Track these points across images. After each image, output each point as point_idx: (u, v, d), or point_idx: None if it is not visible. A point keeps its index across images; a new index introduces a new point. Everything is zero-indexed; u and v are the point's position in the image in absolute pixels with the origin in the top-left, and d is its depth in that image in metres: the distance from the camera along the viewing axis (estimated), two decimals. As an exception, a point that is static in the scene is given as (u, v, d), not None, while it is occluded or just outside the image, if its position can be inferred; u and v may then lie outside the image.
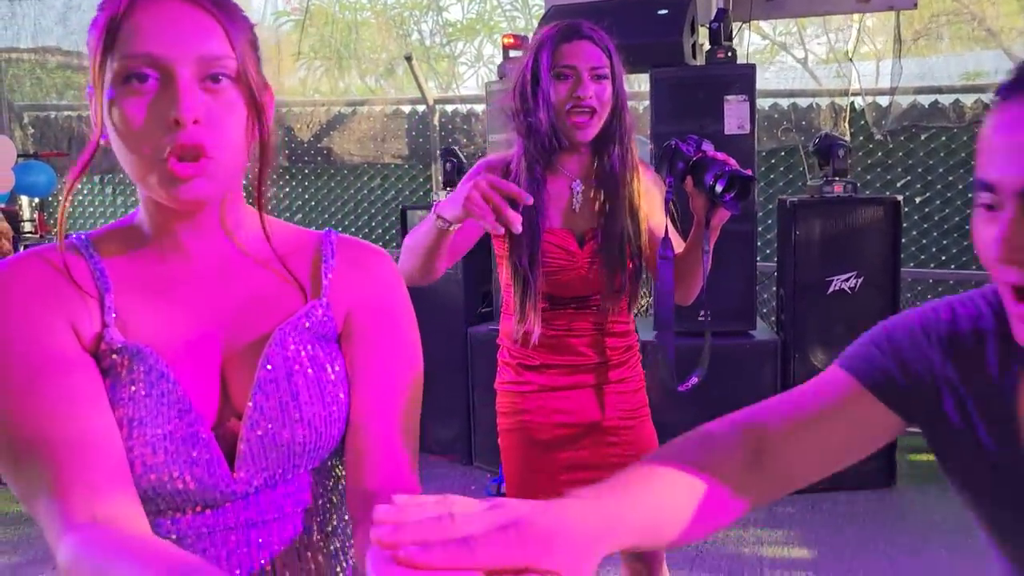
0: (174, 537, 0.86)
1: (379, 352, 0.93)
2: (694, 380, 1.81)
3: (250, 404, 0.86)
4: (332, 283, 0.93)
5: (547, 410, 1.85)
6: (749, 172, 1.62)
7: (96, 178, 6.09)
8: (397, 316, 0.95)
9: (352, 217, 5.66)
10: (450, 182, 4.24)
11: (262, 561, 0.89)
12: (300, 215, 5.66)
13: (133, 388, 0.83)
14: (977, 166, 0.77)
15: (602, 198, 1.78)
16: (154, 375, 0.84)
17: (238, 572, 0.88)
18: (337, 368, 0.91)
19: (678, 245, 1.81)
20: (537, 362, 1.85)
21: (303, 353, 0.89)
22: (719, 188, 1.59)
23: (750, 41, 6.91)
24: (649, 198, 1.83)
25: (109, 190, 6.13)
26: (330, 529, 0.94)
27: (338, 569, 0.95)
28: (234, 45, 0.82)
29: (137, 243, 0.90)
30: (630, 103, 1.85)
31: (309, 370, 0.89)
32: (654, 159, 2.81)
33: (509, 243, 1.78)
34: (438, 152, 4.71)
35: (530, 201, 1.42)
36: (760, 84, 3.94)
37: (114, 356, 0.84)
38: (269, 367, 0.87)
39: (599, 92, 1.73)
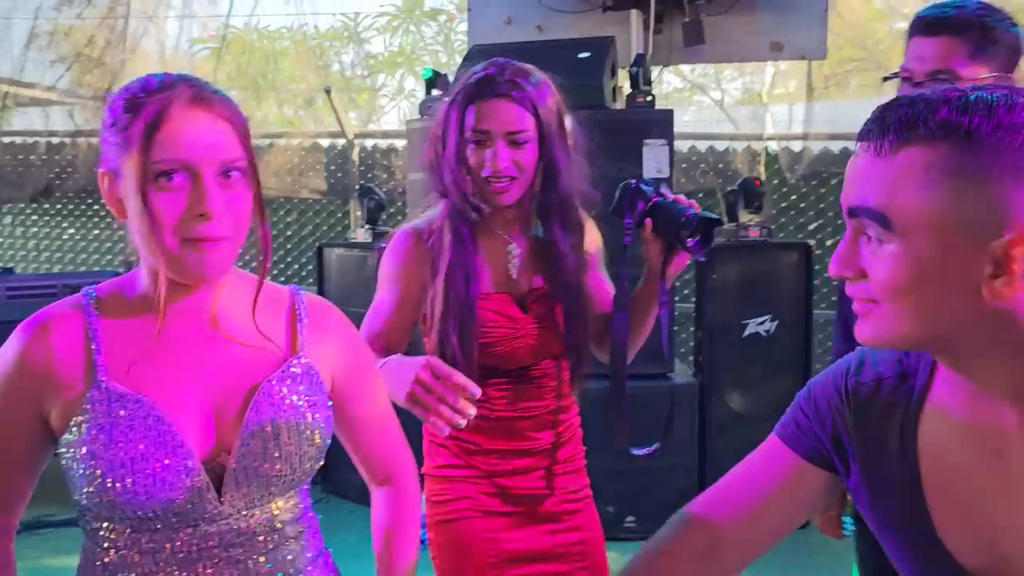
0: (168, 548, 1.05)
1: (362, 401, 1.21)
2: (656, 447, 1.64)
3: (238, 442, 1.05)
4: (307, 340, 1.13)
5: (486, 498, 1.68)
6: (716, 215, 1.52)
7: (35, 204, 5.79)
8: (367, 367, 1.23)
9: (268, 252, 5.52)
10: (372, 220, 4.17)
11: (238, 571, 1.08)
12: (213, 249, 5.48)
13: (133, 431, 1.01)
14: None
15: (545, 257, 1.64)
16: (151, 419, 1.02)
17: None
18: (317, 415, 1.10)
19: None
20: (476, 447, 1.67)
21: (287, 402, 1.08)
22: (684, 232, 1.49)
23: (668, 82, 7.04)
24: (590, 250, 1.70)
25: (40, 216, 5.85)
26: (295, 538, 1.14)
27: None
28: (245, 146, 1.01)
29: (139, 304, 1.07)
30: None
31: (290, 418, 1.08)
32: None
33: (433, 313, 1.59)
34: (357, 188, 4.64)
35: (479, 393, 1.30)
36: (679, 126, 4.00)
37: (114, 403, 1.02)
38: (256, 414, 1.06)
39: (519, 158, 1.54)
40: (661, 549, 0.99)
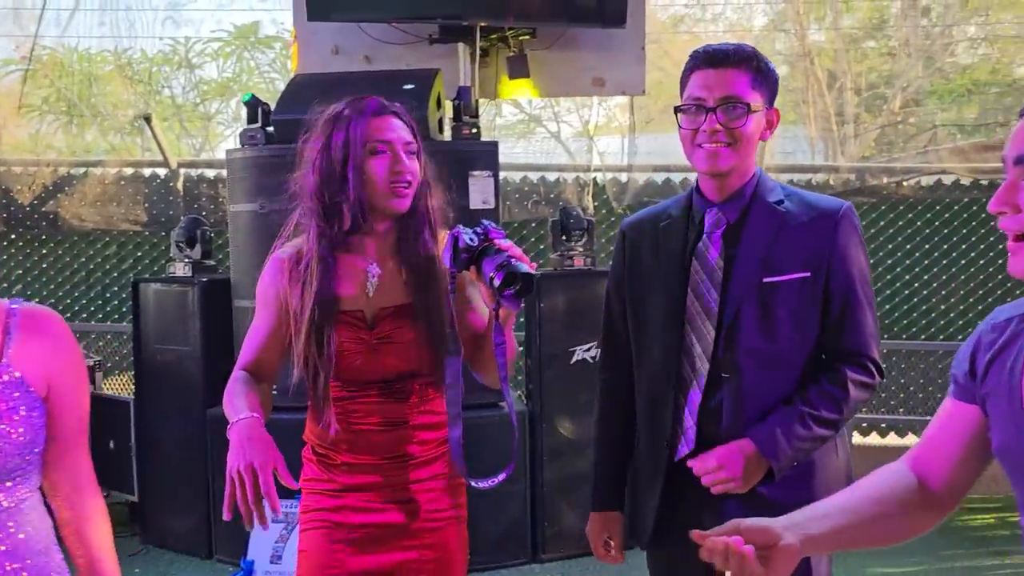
0: None
1: (69, 399, 1.36)
2: (501, 478, 1.70)
3: None
4: (14, 350, 1.30)
5: (349, 510, 1.76)
6: (532, 267, 1.51)
7: None
8: (78, 368, 1.39)
9: (83, 288, 5.17)
10: (188, 253, 3.99)
11: None
12: (20, 286, 5.09)
13: None
14: None
15: (409, 276, 1.75)
16: None
17: None
18: (17, 415, 1.28)
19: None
20: (340, 460, 1.76)
21: None
22: (496, 282, 1.49)
23: (504, 113, 7.17)
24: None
25: None
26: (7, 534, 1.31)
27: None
28: None
29: None
30: None
31: None
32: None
33: (296, 331, 1.73)
34: (181, 219, 4.43)
35: (277, 518, 1.47)
36: (513, 157, 4.09)
37: None
38: None
39: (413, 168, 1.72)
40: (876, 496, 1.21)
